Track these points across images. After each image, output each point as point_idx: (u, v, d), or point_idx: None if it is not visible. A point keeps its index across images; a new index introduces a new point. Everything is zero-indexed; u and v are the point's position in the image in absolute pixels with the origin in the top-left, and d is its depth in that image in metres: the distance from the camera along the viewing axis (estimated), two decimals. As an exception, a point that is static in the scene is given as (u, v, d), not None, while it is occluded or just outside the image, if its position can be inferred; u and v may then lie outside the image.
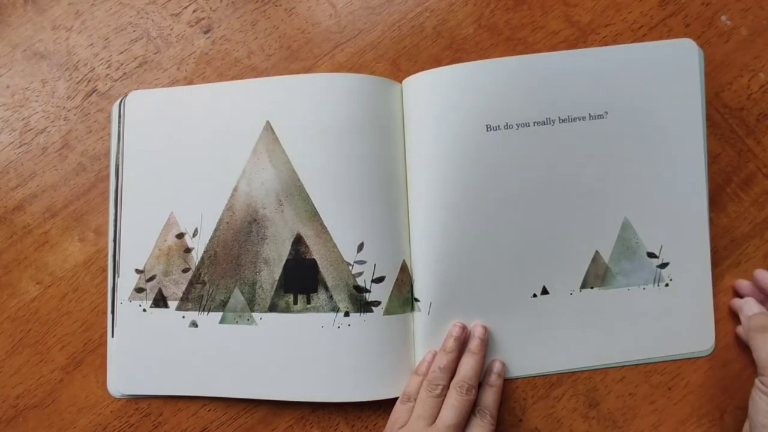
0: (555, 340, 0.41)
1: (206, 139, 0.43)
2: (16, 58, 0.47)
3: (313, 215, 0.41)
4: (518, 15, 0.45)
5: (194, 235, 0.42)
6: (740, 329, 0.40)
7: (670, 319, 0.41)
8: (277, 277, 0.41)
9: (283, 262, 0.41)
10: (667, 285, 0.41)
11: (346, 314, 0.40)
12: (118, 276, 0.43)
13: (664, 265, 0.41)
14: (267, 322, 0.41)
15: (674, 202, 0.41)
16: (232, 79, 0.46)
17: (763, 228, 0.42)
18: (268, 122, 0.42)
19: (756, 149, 0.43)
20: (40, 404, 0.43)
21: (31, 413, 0.43)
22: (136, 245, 0.43)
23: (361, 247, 0.40)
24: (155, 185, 0.43)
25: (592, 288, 0.41)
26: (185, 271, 0.42)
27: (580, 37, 0.44)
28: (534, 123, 0.40)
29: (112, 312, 0.42)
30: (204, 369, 0.41)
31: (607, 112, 0.40)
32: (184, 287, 0.42)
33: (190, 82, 0.46)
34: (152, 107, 0.44)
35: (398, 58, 0.45)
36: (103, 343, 0.43)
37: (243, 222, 0.42)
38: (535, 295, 0.41)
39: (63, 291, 0.44)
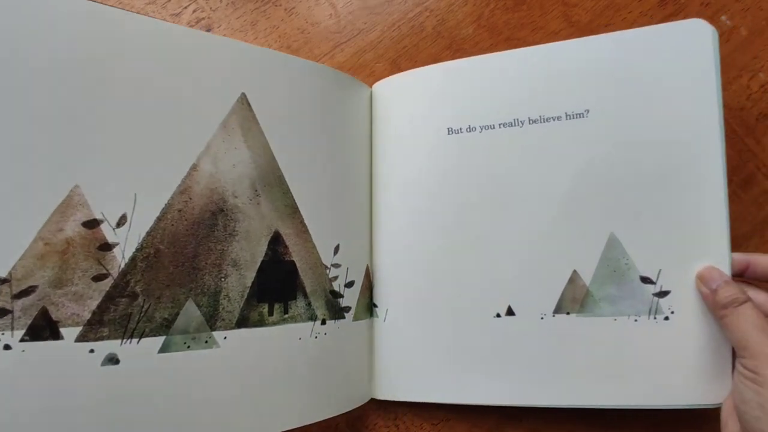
0: (521, 369, 0.36)
1: (148, 89, 0.31)
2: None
3: (294, 211, 0.36)
4: (518, 15, 0.45)
5: (119, 224, 0.29)
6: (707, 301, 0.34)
7: (669, 361, 0.34)
8: (249, 284, 0.33)
9: (258, 264, 0.34)
10: (667, 318, 0.34)
11: (323, 322, 0.37)
12: None
13: (663, 294, 0.34)
14: (233, 341, 0.32)
15: (680, 216, 0.34)
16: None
17: (763, 228, 0.42)
18: (243, 94, 0.34)
19: (756, 149, 0.43)
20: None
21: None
22: None
23: (337, 250, 0.38)
24: (45, 141, 0.28)
25: (568, 314, 0.36)
26: (99, 278, 0.29)
27: (579, 37, 0.44)
28: (499, 125, 0.37)
29: None
30: (126, 427, 0.28)
31: (588, 111, 0.36)
32: (95, 304, 0.28)
33: (190, 82, 0.46)
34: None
35: (398, 58, 0.45)
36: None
37: (204, 211, 0.32)
38: (498, 315, 0.37)
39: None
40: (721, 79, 0.43)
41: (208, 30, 0.46)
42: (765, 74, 0.43)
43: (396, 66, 0.45)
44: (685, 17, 0.44)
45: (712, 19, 0.44)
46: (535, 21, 0.45)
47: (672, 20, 0.44)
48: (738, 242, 0.42)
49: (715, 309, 0.32)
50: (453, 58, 0.45)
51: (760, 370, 0.28)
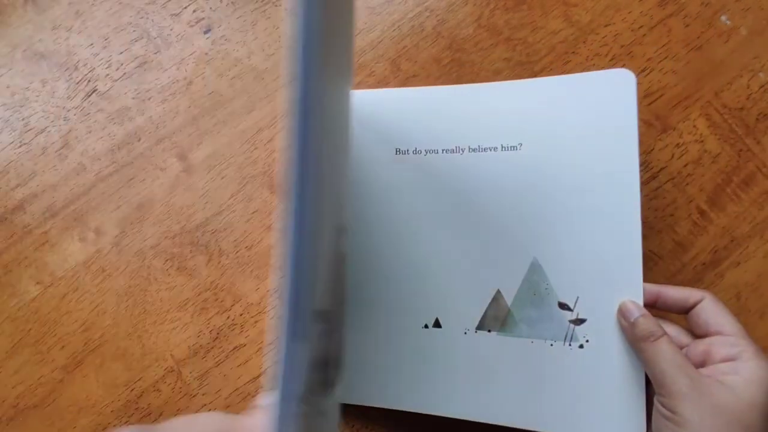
0: (443, 380, 0.37)
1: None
2: (17, 58, 0.47)
3: None
4: (518, 15, 0.45)
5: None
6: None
7: (583, 390, 0.34)
8: None
9: None
10: (581, 346, 0.35)
11: None
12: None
13: (579, 321, 0.35)
14: None
15: (598, 248, 0.35)
16: (232, 79, 0.46)
17: (763, 228, 0.42)
18: None
19: (756, 149, 0.43)
20: (40, 404, 0.43)
21: (32, 413, 0.43)
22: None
23: None
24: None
25: (489, 331, 0.37)
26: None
27: (579, 37, 0.44)
28: (443, 150, 0.39)
29: None
30: None
31: (521, 144, 0.38)
32: None
33: (190, 83, 0.46)
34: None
35: (398, 58, 0.45)
36: (103, 343, 0.43)
37: None
38: (426, 326, 0.38)
39: (63, 291, 0.44)
40: (721, 79, 0.43)
41: (208, 30, 0.46)
42: (765, 74, 0.43)
43: (396, 66, 0.45)
44: (685, 17, 0.44)
45: (712, 19, 0.44)
46: (535, 21, 0.45)
47: (671, 20, 0.44)
48: (738, 242, 0.42)
49: (634, 342, 0.32)
50: (453, 59, 0.45)
51: (678, 410, 0.27)
